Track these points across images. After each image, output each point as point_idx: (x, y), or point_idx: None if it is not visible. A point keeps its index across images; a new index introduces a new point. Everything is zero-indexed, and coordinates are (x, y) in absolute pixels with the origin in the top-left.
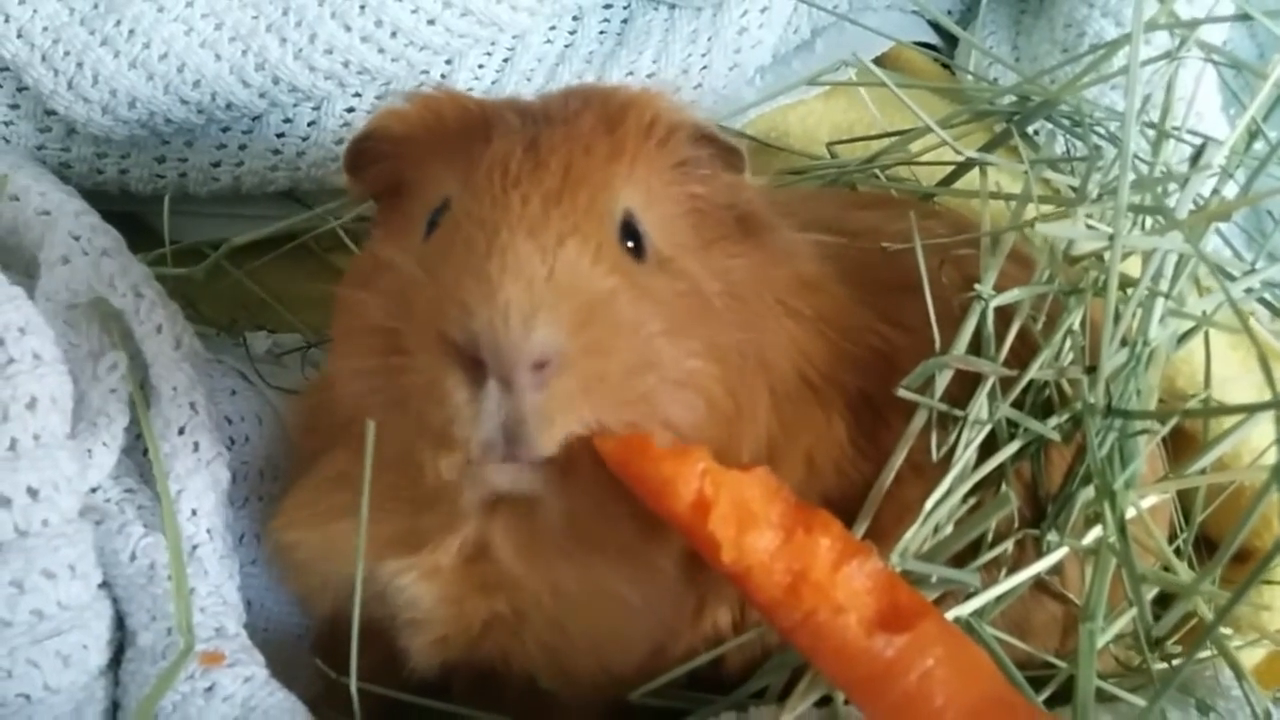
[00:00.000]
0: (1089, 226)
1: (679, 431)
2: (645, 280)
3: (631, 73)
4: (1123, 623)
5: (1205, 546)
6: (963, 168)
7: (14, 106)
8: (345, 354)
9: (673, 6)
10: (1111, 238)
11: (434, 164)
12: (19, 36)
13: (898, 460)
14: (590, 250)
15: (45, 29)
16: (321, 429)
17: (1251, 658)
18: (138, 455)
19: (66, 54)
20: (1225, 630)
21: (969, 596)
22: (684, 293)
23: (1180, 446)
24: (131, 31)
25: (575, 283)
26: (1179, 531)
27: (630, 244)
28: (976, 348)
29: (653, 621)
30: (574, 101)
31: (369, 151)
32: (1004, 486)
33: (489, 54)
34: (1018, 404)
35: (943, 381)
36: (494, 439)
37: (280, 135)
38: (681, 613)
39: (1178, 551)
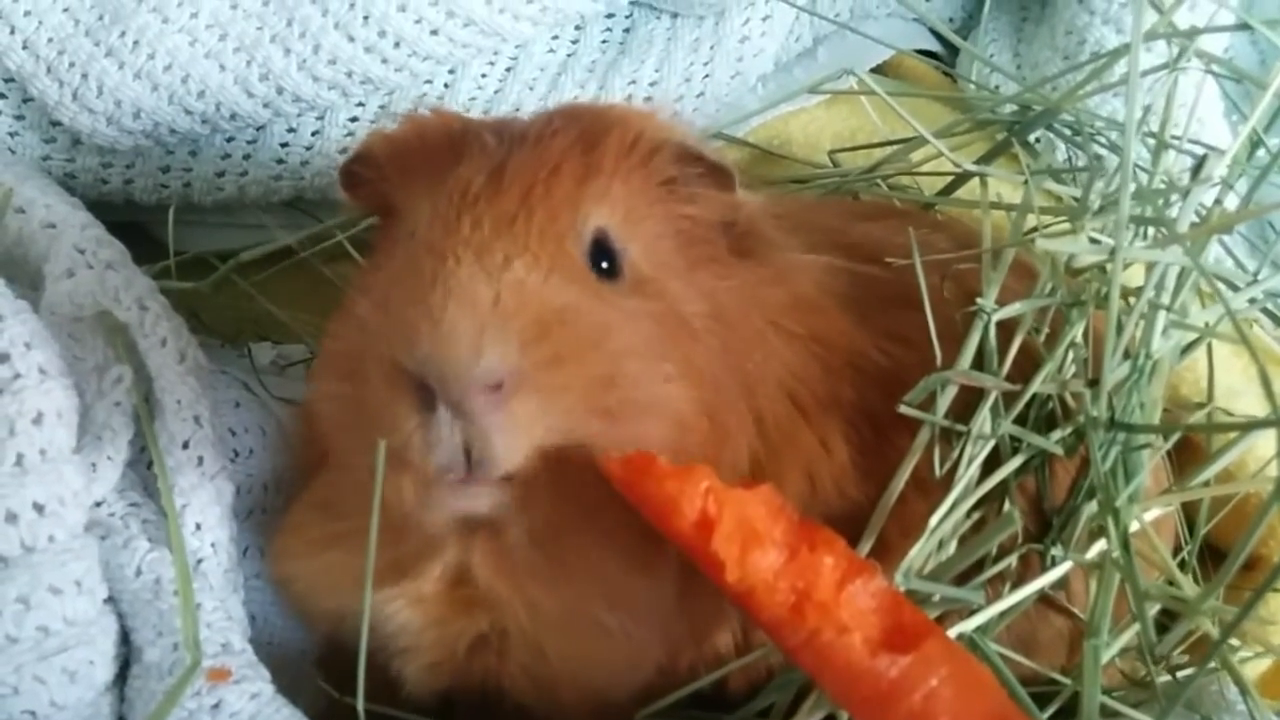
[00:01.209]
0: (1091, 240)
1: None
2: (615, 300)
3: (634, 81)
4: (1127, 638)
5: (1210, 554)
6: (963, 177)
7: (20, 117)
8: (316, 379)
9: (675, 15)
10: (1113, 251)
11: (413, 189)
12: (24, 48)
13: (902, 478)
14: (541, 268)
15: (50, 40)
16: (315, 444)
17: (1257, 668)
18: (141, 469)
19: (71, 65)
20: (1230, 642)
21: (973, 612)
22: (659, 314)
23: (1185, 457)
24: (136, 43)
25: (524, 301)
26: (1184, 542)
27: (604, 264)
28: (979, 362)
29: (635, 649)
30: (558, 120)
31: (359, 173)
32: (1008, 503)
33: (492, 64)
34: (1020, 418)
35: (946, 398)
36: (451, 463)
37: (284, 145)
38: (672, 642)
39: (1182, 564)
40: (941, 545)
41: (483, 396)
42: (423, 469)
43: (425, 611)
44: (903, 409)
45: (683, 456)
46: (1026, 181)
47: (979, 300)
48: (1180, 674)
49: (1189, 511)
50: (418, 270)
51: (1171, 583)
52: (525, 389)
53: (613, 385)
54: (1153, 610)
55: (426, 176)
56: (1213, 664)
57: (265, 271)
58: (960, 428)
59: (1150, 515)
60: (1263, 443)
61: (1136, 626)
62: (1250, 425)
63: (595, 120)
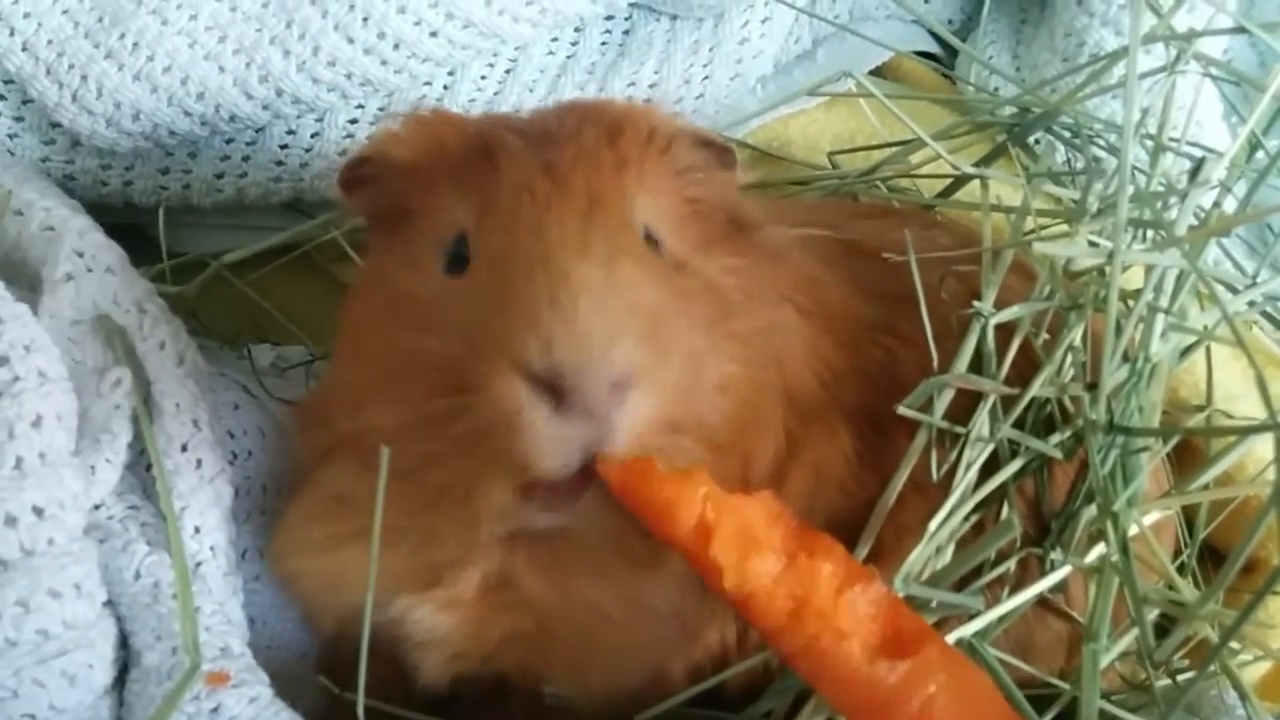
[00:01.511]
0: (1089, 243)
1: (714, 435)
2: (678, 283)
3: (633, 83)
4: (1126, 642)
5: (1211, 557)
6: (962, 179)
7: (19, 119)
8: (396, 398)
9: (674, 17)
10: (1111, 253)
11: (440, 193)
12: (24, 50)
13: (900, 480)
14: (636, 264)
15: (50, 42)
16: (316, 442)
17: (1256, 671)
18: (140, 471)
19: (71, 67)
20: (1230, 646)
21: (972, 617)
22: (706, 291)
23: (1185, 459)
24: (135, 45)
25: (636, 297)
26: (1184, 545)
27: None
28: (977, 365)
29: (676, 626)
30: (570, 119)
31: (366, 175)
32: (1006, 507)
33: (491, 65)
34: (1019, 421)
35: (944, 401)
36: (573, 461)
37: (283, 147)
38: (700, 617)
39: (1182, 567)
40: (939, 550)
41: (611, 394)
42: (546, 470)
43: (460, 614)
44: (902, 410)
45: (735, 438)
46: (1028, 183)
47: (976, 303)
48: (1180, 678)
49: (1189, 516)
50: (525, 272)
51: (1171, 587)
52: (640, 382)
53: (697, 368)
54: (1152, 615)
55: (455, 181)
56: (1212, 668)
57: (260, 271)
58: (960, 430)
59: (1149, 518)
60: (1261, 446)
61: (1136, 631)
62: (1249, 429)
63: (604, 115)
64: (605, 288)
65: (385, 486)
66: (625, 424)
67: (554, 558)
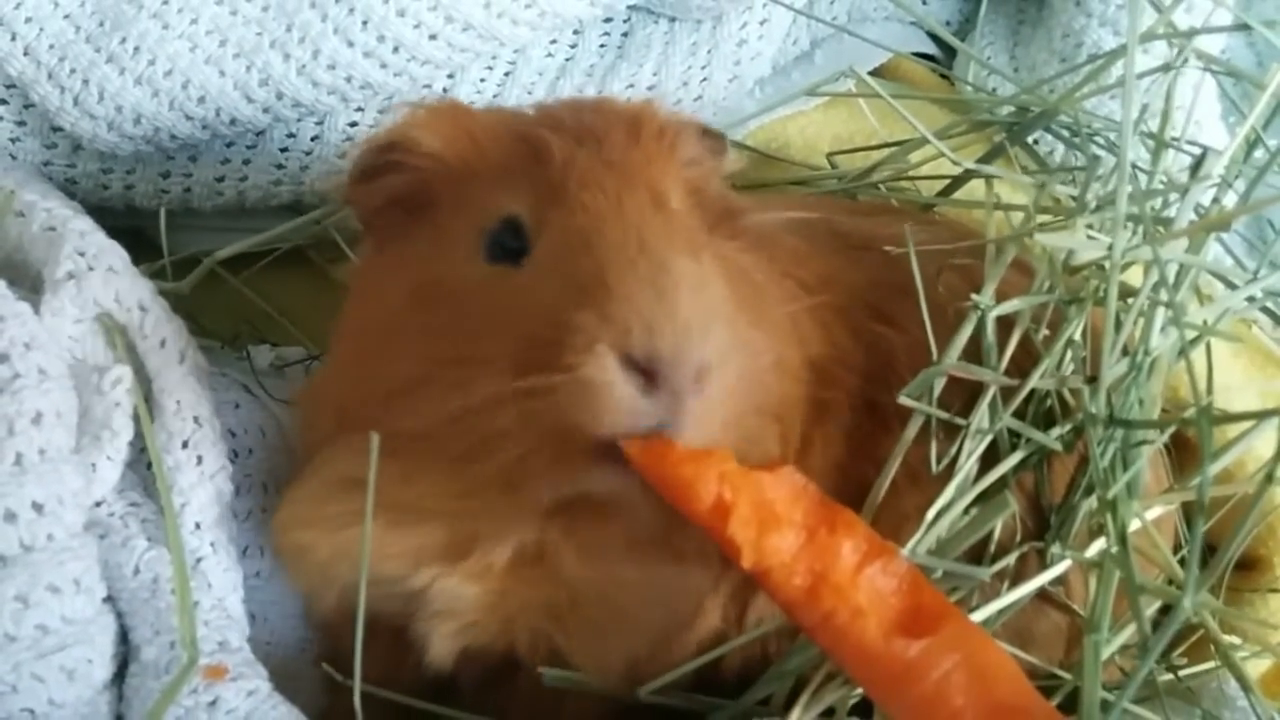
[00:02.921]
0: (1090, 237)
1: (773, 410)
2: (728, 273)
3: (632, 85)
4: (1127, 634)
5: (1212, 556)
6: (961, 179)
7: (21, 123)
8: (452, 383)
9: (672, 19)
10: (1111, 247)
11: (476, 181)
12: (26, 54)
13: (892, 468)
14: (711, 257)
15: (52, 46)
16: (321, 428)
17: (1258, 668)
18: (141, 469)
19: (73, 71)
20: (1233, 640)
21: (973, 610)
22: (740, 277)
23: (1186, 458)
24: (137, 49)
25: (720, 292)
26: (1183, 542)
27: None
28: (977, 358)
29: (690, 601)
30: (592, 116)
31: (386, 162)
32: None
33: (490, 68)
34: (1019, 414)
35: (939, 390)
36: (643, 431)
37: (284, 150)
38: (706, 592)
39: (1182, 564)
40: (938, 543)
41: (696, 382)
42: (614, 427)
43: (485, 584)
44: (902, 399)
45: (784, 411)
46: (1041, 186)
47: (974, 296)
48: (1182, 672)
49: (1188, 514)
50: (620, 263)
51: (1171, 580)
52: (718, 373)
53: (755, 353)
54: (1152, 607)
55: (495, 169)
56: (1212, 659)
57: (260, 272)
58: (960, 421)
59: (1151, 514)
60: (1262, 444)
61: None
62: (1248, 416)
63: (625, 113)
64: (699, 281)
65: (424, 474)
66: (702, 410)
67: (593, 536)
